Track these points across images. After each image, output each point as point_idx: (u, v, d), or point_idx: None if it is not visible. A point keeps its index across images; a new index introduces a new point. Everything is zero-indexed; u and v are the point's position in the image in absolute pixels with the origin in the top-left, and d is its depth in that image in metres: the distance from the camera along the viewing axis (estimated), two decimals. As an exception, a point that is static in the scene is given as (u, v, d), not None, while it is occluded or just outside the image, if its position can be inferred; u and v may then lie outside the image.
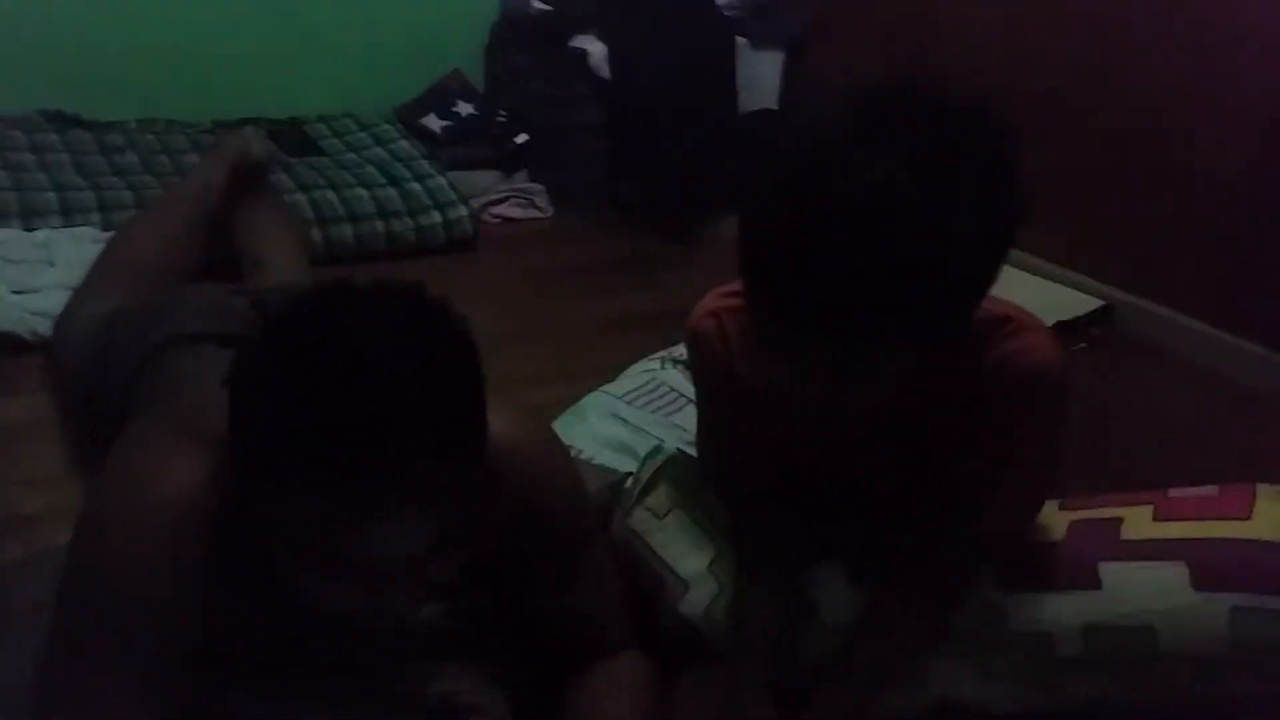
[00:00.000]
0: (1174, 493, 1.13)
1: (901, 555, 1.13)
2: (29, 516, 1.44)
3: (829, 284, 0.83)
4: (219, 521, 0.91)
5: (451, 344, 0.84)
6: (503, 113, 2.79)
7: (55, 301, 1.83)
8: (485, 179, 2.71)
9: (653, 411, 1.61)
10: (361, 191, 2.40)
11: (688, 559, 1.16)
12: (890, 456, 1.09)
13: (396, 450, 0.79)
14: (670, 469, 1.22)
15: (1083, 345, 2.15)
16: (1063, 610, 1.07)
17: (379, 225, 2.37)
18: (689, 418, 1.39)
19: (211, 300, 1.50)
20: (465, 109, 2.78)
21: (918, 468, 1.09)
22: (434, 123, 2.75)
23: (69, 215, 2.20)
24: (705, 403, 1.21)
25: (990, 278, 0.90)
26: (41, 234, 2.13)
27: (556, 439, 1.13)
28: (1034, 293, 1.89)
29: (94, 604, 0.91)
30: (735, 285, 1.12)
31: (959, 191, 0.83)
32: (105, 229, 2.13)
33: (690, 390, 1.67)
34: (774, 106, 2.83)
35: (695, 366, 1.17)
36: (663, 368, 1.72)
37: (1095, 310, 2.22)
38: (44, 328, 1.86)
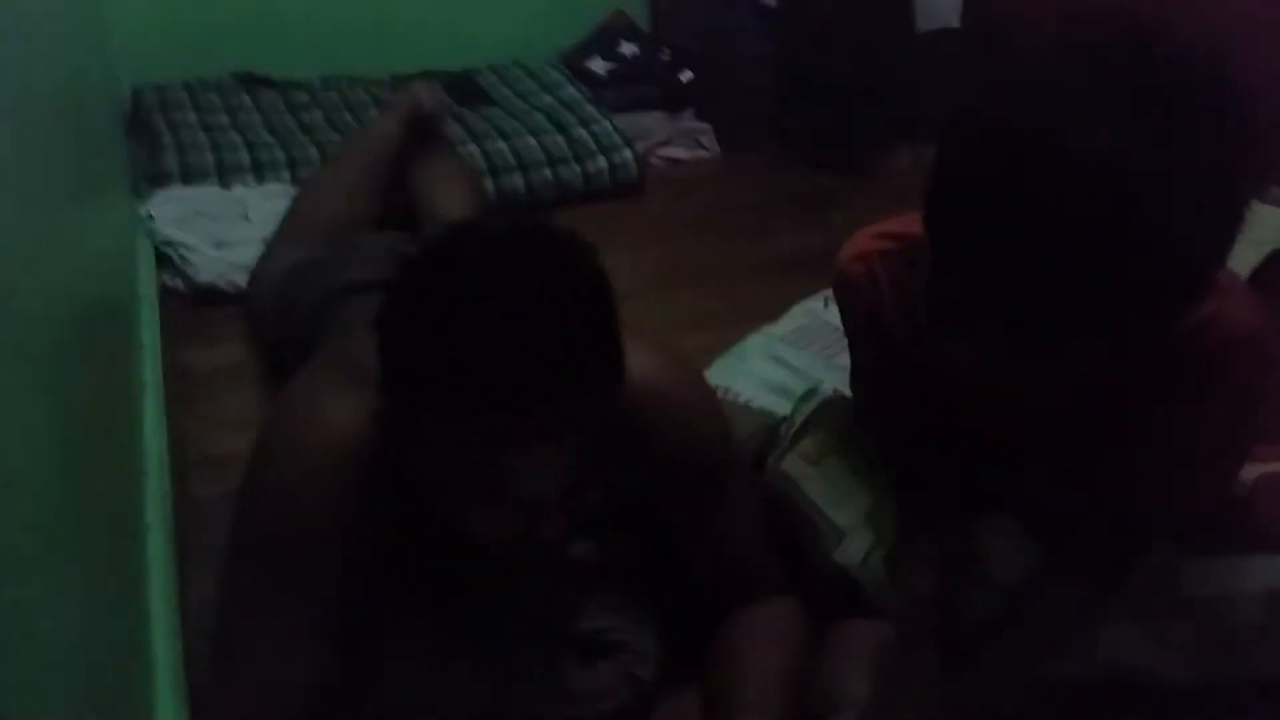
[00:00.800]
0: None
1: (1077, 514, 1.05)
2: (225, 456, 1.53)
3: (1041, 273, 0.73)
4: (379, 460, 0.95)
5: (583, 279, 0.84)
6: (667, 50, 2.75)
7: (251, 254, 1.94)
8: (651, 120, 2.68)
9: (815, 353, 1.57)
10: (530, 140, 2.42)
11: (843, 507, 1.12)
12: (1060, 425, 0.99)
13: (536, 381, 0.80)
14: (826, 412, 1.19)
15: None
16: (1244, 575, 0.99)
17: (548, 173, 2.39)
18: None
19: (385, 248, 1.56)
20: (629, 49, 2.76)
21: (1095, 429, 0.99)
22: (599, 65, 2.75)
23: (260, 172, 2.32)
24: (853, 346, 1.16)
25: (1215, 272, 0.79)
26: (237, 191, 2.26)
27: (701, 379, 1.12)
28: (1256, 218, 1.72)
29: (261, 539, 0.97)
30: (889, 225, 1.06)
31: (1200, 177, 0.72)
32: (294, 184, 2.25)
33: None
34: (955, 25, 2.67)
35: (843, 309, 1.12)
36: (826, 306, 1.67)
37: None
38: (240, 279, 1.97)
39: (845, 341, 1.59)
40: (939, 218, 0.81)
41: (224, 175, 2.30)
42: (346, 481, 0.94)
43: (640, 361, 0.98)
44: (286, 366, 1.48)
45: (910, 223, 0.97)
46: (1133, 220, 0.71)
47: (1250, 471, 1.03)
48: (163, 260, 2.08)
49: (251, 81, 2.72)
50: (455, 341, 0.80)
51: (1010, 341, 0.80)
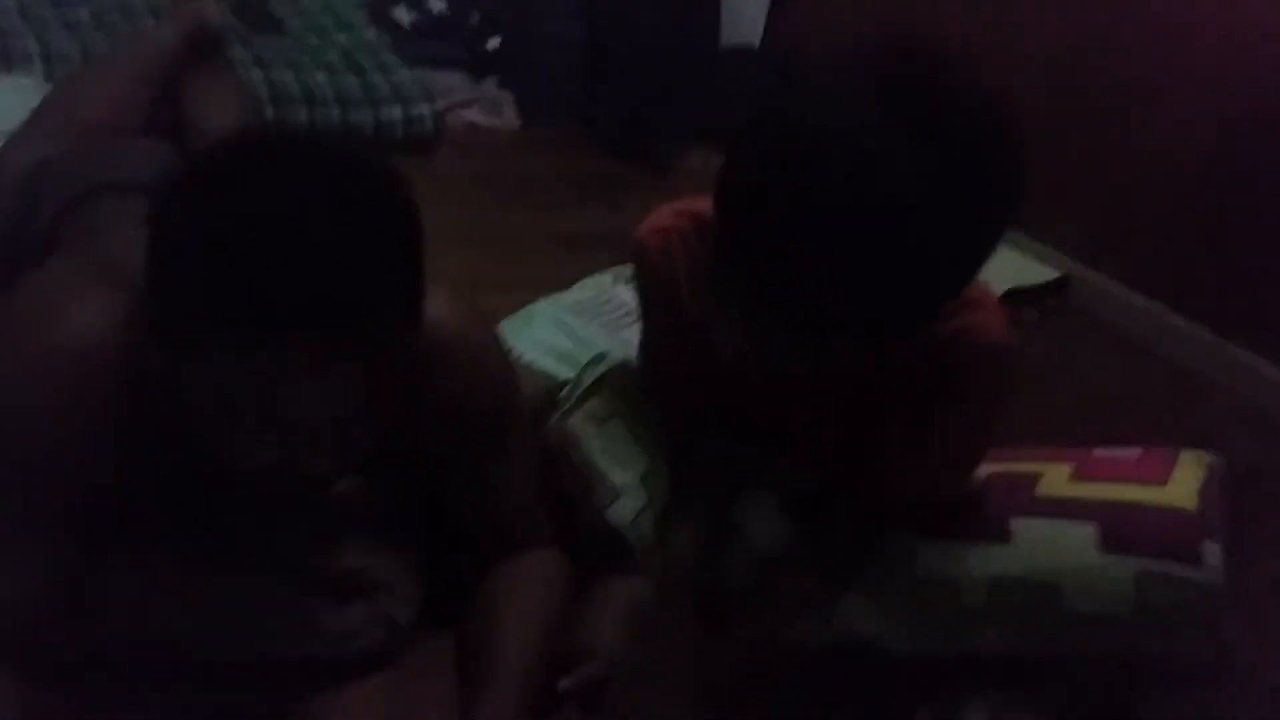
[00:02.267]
0: (1098, 452, 1.13)
1: (830, 493, 1.12)
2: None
3: (816, 269, 0.78)
4: (130, 371, 0.86)
5: (392, 198, 0.79)
6: (476, 14, 2.70)
7: (-12, 148, 1.74)
8: (452, 80, 2.62)
9: (600, 324, 1.58)
10: (321, 76, 2.31)
11: (621, 467, 1.13)
12: (825, 409, 1.07)
13: (324, 306, 0.74)
14: (615, 376, 1.19)
15: (1035, 314, 2.14)
16: (970, 560, 1.07)
17: (335, 113, 2.28)
18: (636, 335, 1.36)
19: (149, 153, 1.43)
20: (437, 5, 2.68)
21: (853, 421, 1.07)
22: (403, 15, 2.65)
23: (9, 62, 2.10)
24: (646, 316, 1.17)
25: (969, 282, 0.87)
26: (-22, 79, 2.03)
27: (491, 327, 1.10)
28: (993, 258, 1.87)
29: None
30: (689, 203, 1.09)
31: (963, 195, 0.77)
32: (48, 81, 2.04)
33: (637, 308, 1.64)
34: (755, 44, 2.78)
35: (638, 279, 1.14)
36: (614, 282, 1.69)
37: (1051, 281, 2.22)
38: (-28, 174, 1.77)
39: (630, 317, 1.63)
40: (724, 205, 0.85)
41: (-35, 60, 2.06)
42: (88, 390, 0.85)
43: (437, 301, 0.94)
44: (19, 270, 1.34)
45: (705, 203, 1.01)
46: (898, 228, 0.77)
47: (983, 470, 1.12)
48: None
49: (10, -35, 2.45)
50: (240, 250, 0.74)
51: (779, 331, 0.85)
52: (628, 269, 1.71)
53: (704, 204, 1.05)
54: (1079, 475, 1.08)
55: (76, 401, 0.84)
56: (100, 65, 1.92)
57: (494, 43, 2.66)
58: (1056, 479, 1.08)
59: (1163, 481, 1.06)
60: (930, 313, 0.87)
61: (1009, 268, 2.15)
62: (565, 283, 1.74)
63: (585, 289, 1.68)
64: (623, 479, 1.12)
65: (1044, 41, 2.20)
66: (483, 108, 2.63)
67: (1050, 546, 1.04)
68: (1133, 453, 1.12)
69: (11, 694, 0.84)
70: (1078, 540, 1.03)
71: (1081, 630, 1.04)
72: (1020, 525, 1.06)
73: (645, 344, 1.20)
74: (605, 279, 1.71)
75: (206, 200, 0.76)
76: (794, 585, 1.09)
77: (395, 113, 2.33)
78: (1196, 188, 2.02)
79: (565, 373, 1.37)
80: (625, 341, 1.52)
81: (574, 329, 1.54)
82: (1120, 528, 1.03)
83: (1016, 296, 2.05)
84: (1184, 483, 1.06)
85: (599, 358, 1.23)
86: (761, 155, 0.82)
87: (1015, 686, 1.12)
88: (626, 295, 1.66)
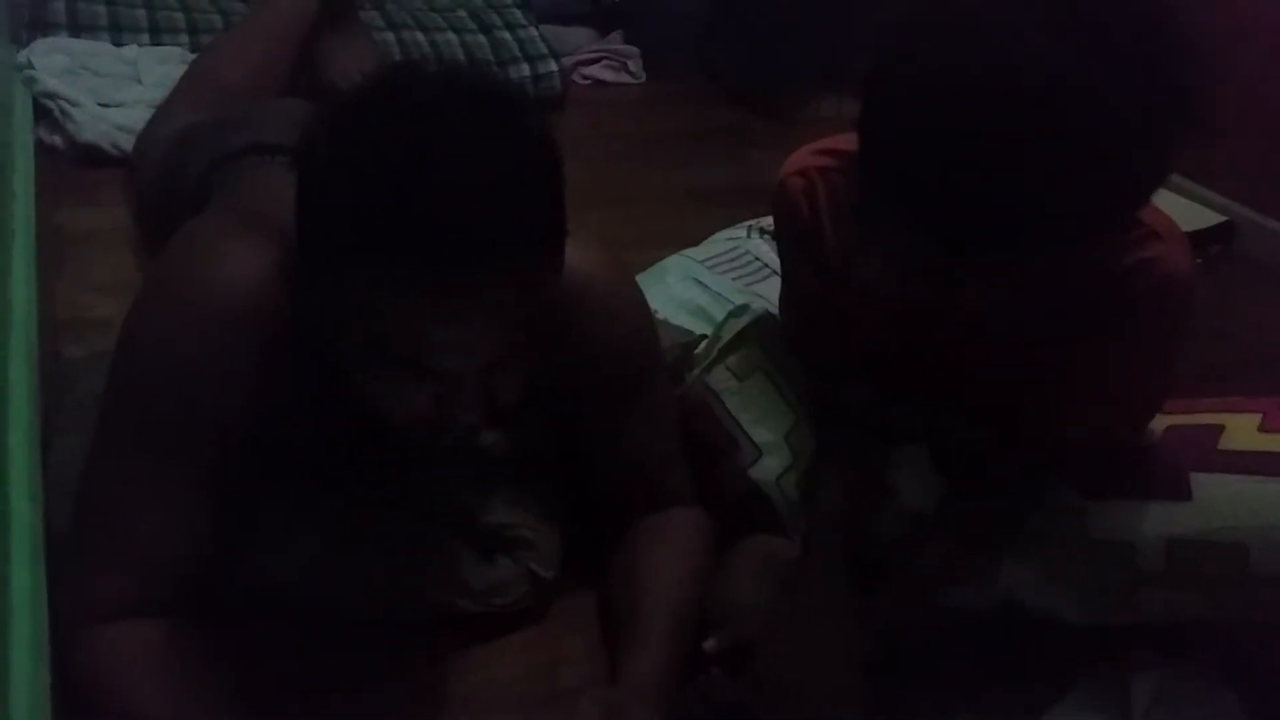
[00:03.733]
0: None
1: (988, 449, 1.06)
2: (96, 320, 1.43)
3: (970, 184, 0.71)
4: (282, 321, 0.87)
5: (535, 143, 0.77)
6: (602, -33, 2.67)
7: (139, 117, 1.81)
8: (579, 35, 2.60)
9: (734, 279, 1.54)
10: (451, 36, 2.31)
11: (764, 424, 1.10)
12: (989, 354, 1.00)
13: (472, 245, 0.73)
14: (756, 330, 1.16)
15: (1199, 262, 2.01)
16: (1147, 520, 1.00)
17: (466, 73, 2.29)
18: (772, 288, 1.32)
19: (290, 113, 1.45)
20: (563, -40, 2.66)
21: (1020, 367, 1.00)
22: (530, -31, 2.64)
23: (157, 34, 2.16)
24: (787, 263, 1.13)
25: (1141, 199, 0.79)
26: (130, 50, 2.10)
27: (632, 278, 1.07)
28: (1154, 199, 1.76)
29: (141, 396, 0.87)
30: (830, 142, 1.04)
31: (1129, 98, 0.70)
32: (193, 51, 2.10)
33: (774, 262, 1.60)
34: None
35: (778, 224, 1.09)
36: (749, 236, 1.65)
37: (1215, 226, 2.08)
38: (126, 143, 1.84)
39: (766, 271, 1.58)
40: (871, 129, 0.79)
41: (117, 32, 2.14)
42: (242, 338, 0.85)
43: (582, 254, 0.93)
44: (172, 230, 1.38)
45: (848, 140, 0.95)
46: (1059, 133, 0.70)
47: (1159, 423, 1.05)
48: (42, 114, 1.92)
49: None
50: (389, 190, 0.72)
51: (934, 260, 0.79)
52: (760, 222, 1.69)
53: (846, 142, 0.99)
54: (1268, 426, 1.00)
55: (231, 347, 0.85)
56: (239, 32, 1.96)
57: (619, -4, 2.63)
58: (1242, 431, 1.00)
59: (1362, 432, 0.97)
60: (1094, 230, 0.78)
61: (1169, 211, 2.02)
62: (697, 238, 1.70)
63: (717, 243, 1.64)
64: (766, 436, 1.09)
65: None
66: (609, 63, 2.60)
67: (1236, 504, 0.96)
68: (1330, 400, 1.03)
69: (168, 642, 0.85)
70: (1267, 497, 0.95)
71: (1270, 596, 0.96)
72: (1202, 481, 0.98)
73: (787, 294, 1.16)
74: (739, 233, 1.67)
75: (352, 137, 0.75)
76: (950, 547, 1.04)
77: (524, 70, 2.32)
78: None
79: (701, 328, 1.34)
80: (760, 296, 1.47)
81: (708, 283, 1.50)
82: (1315, 483, 0.94)
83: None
84: (1385, 435, 0.97)
85: (739, 310, 1.19)
86: (908, 58, 0.75)
87: (1184, 654, 1.05)
88: (761, 249, 1.62)
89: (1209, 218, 2.09)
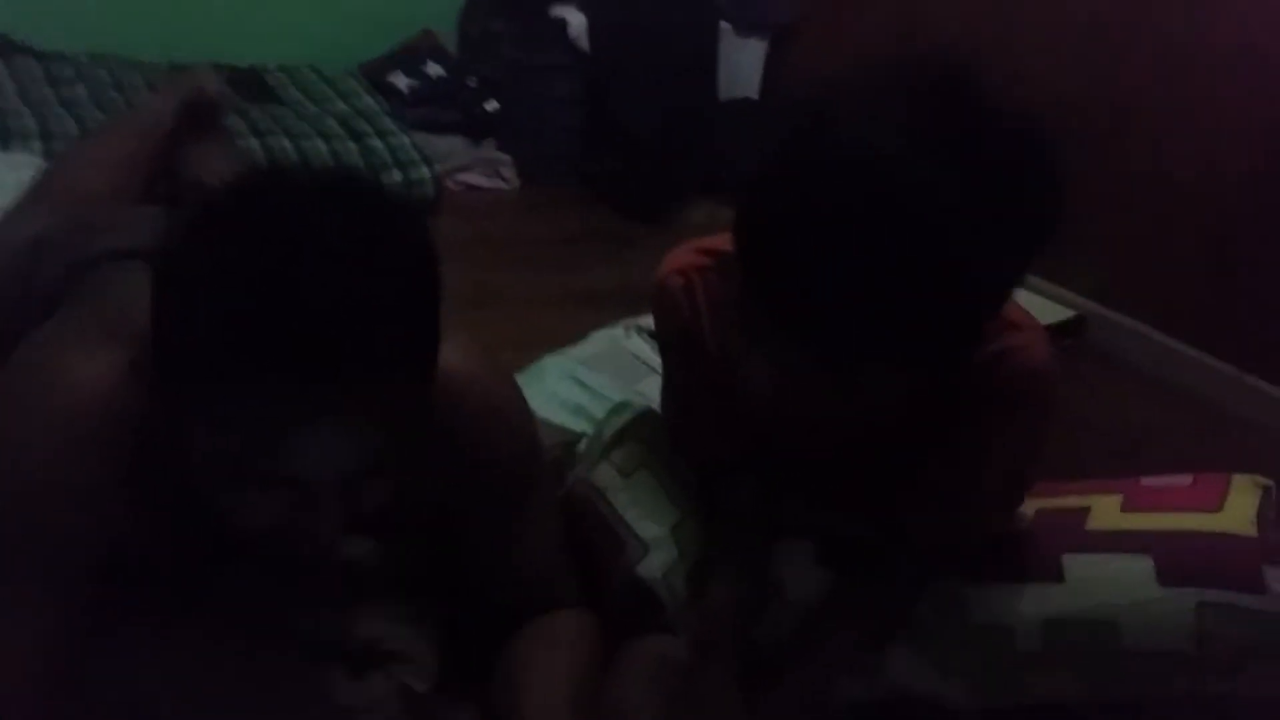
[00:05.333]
0: (1146, 481, 1.08)
1: (868, 543, 1.07)
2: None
3: (848, 293, 0.74)
4: (134, 430, 0.82)
5: (409, 248, 0.75)
6: (473, 78, 2.70)
7: (-14, 225, 1.72)
8: (451, 144, 2.62)
9: (613, 378, 1.53)
10: (319, 143, 2.30)
11: (650, 521, 1.08)
12: (861, 449, 1.02)
13: (336, 353, 0.70)
14: (640, 426, 1.15)
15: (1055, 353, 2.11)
16: (1023, 603, 1.01)
17: (335, 179, 2.27)
18: (652, 386, 1.32)
19: (148, 219, 1.40)
20: (435, 70, 2.69)
21: (890, 460, 1.02)
22: (401, 81, 2.66)
23: (7, 141, 2.09)
24: (668, 362, 1.13)
25: (1002, 307, 0.83)
26: (-24, 156, 2.01)
27: (511, 378, 1.05)
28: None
29: None
30: (709, 241, 1.06)
31: (999, 216, 0.74)
32: (47, 157, 2.02)
33: (654, 360, 1.60)
34: (754, 96, 2.78)
35: (658, 322, 1.10)
36: (627, 335, 1.65)
37: (1068, 320, 2.19)
38: (-31, 251, 1.75)
39: (644, 368, 1.58)
40: (747, 234, 0.81)
41: (-38, 138, 2.05)
42: (91, 447, 0.80)
43: (458, 356, 0.91)
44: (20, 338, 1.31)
45: (725, 240, 0.98)
46: (929, 250, 0.73)
47: (1030, 507, 1.07)
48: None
49: (8, 47, 2.46)
50: (245, 291, 0.69)
51: (812, 366, 0.81)
52: (638, 320, 1.70)
53: (723, 240, 1.02)
54: (1130, 506, 1.03)
55: (80, 456, 0.80)
56: (98, 136, 1.90)
57: (492, 105, 2.66)
58: (1107, 511, 1.03)
59: (1217, 507, 1.01)
60: (966, 338, 0.83)
61: (1026, 307, 2.12)
62: (576, 338, 1.70)
63: (596, 342, 1.64)
64: (653, 532, 1.07)
65: (1055, 79, 2.18)
66: (482, 170, 2.63)
67: (1106, 583, 0.98)
68: (1183, 479, 1.07)
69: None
70: (1134, 574, 0.97)
71: (1143, 670, 0.98)
72: (1073, 562, 1.00)
73: (668, 392, 1.16)
74: (616, 331, 1.67)
75: (212, 236, 0.72)
76: (837, 640, 1.03)
77: (395, 176, 2.32)
78: (1218, 217, 2.00)
79: (581, 426, 1.33)
80: (640, 393, 1.47)
81: (588, 382, 1.49)
82: (1177, 558, 0.98)
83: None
84: (1239, 507, 1.01)
85: (621, 407, 1.19)
86: (788, 178, 0.79)
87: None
88: (639, 347, 1.62)
89: (1061, 313, 2.19)
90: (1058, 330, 2.16)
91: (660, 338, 1.11)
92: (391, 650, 1.01)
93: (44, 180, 1.73)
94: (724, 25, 2.66)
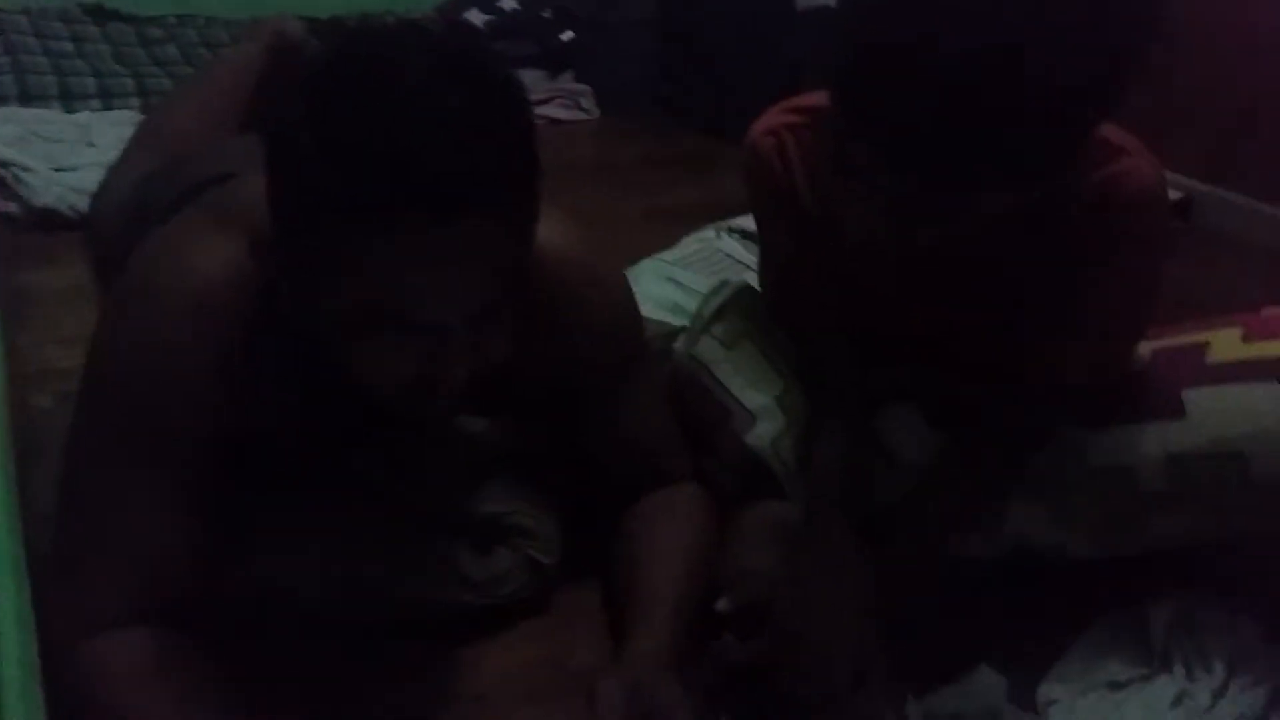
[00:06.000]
0: (1267, 311, 1.02)
1: (980, 400, 1.05)
2: (62, 370, 1.40)
3: (943, 109, 0.73)
4: (259, 310, 0.85)
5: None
6: (548, 9, 2.70)
7: (94, 179, 1.78)
8: (529, 78, 2.62)
9: (709, 275, 1.54)
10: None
11: (755, 390, 1.08)
12: (967, 291, 1.00)
13: (447, 192, 0.72)
14: (739, 300, 1.15)
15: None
16: (1144, 442, 0.98)
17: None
18: (748, 281, 1.32)
19: (248, 146, 1.44)
20: (509, 4, 2.70)
21: (1002, 303, 1.00)
22: (477, 17, 2.67)
23: (108, 99, 2.17)
24: (763, 229, 1.13)
25: (1114, 106, 0.80)
26: (82, 115, 2.10)
27: (608, 254, 1.06)
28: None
29: (115, 398, 0.85)
30: (797, 100, 1.05)
31: (1081, 24, 0.73)
32: (144, 114, 2.10)
33: (747, 257, 1.60)
34: (831, 4, 2.71)
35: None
36: (718, 236, 1.65)
37: (1172, 203, 2.11)
38: (83, 204, 1.83)
39: (739, 268, 1.58)
40: (844, 74, 0.80)
41: (68, 100, 2.14)
42: (217, 328, 0.83)
43: (557, 231, 0.93)
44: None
45: (816, 97, 0.97)
46: (1017, 53, 0.72)
47: (1146, 349, 1.04)
48: (-4, 182, 1.90)
49: (100, 14, 2.54)
50: (360, 137, 0.71)
51: (913, 196, 0.80)
52: (729, 222, 1.70)
53: (812, 98, 1.02)
54: (1251, 335, 0.99)
55: (206, 338, 0.82)
56: (190, 86, 1.96)
57: (567, 35, 2.66)
58: (1227, 343, 0.99)
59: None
60: (1059, 148, 0.80)
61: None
62: (667, 249, 1.70)
63: (688, 245, 1.65)
64: (759, 401, 1.08)
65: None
66: (562, 102, 2.63)
67: (1230, 413, 0.95)
68: (1309, 306, 1.02)
69: (159, 651, 0.82)
70: (1260, 402, 0.93)
71: (1273, 502, 0.94)
72: (1194, 395, 0.97)
73: (766, 261, 1.16)
74: (708, 234, 1.67)
75: (319, 93, 0.74)
76: (952, 497, 1.02)
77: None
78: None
79: (679, 322, 1.34)
80: (736, 287, 1.47)
81: (684, 281, 1.50)
82: (1307, 381, 0.93)
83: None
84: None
85: (720, 286, 1.18)
86: (884, 16, 0.77)
87: (1199, 582, 1.04)
88: (732, 246, 1.63)
89: (1165, 194, 2.12)
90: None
91: (753, 203, 1.10)
92: (516, 526, 1.04)
93: (142, 130, 1.79)
94: (798, -68, 2.60)
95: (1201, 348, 1.00)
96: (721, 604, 0.95)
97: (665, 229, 1.99)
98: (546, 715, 0.94)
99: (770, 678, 0.91)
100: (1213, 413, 0.96)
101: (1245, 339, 0.99)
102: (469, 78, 0.74)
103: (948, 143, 0.75)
